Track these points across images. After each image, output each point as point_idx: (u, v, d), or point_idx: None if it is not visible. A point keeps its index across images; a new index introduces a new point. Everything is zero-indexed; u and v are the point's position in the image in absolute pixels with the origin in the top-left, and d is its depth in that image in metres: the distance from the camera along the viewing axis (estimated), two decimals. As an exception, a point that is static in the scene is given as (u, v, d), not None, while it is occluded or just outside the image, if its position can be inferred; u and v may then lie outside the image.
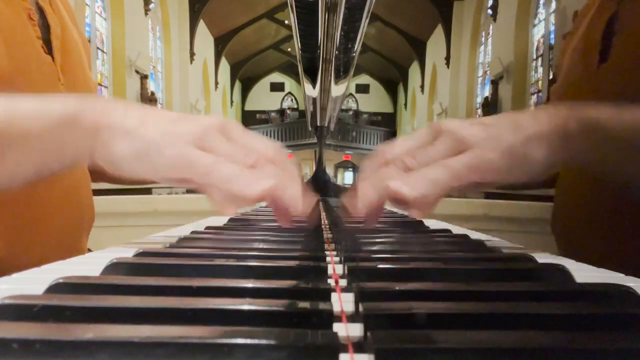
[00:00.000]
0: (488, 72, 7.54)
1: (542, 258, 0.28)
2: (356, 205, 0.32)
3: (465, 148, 0.32)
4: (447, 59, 8.81)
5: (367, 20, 0.88)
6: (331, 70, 1.00)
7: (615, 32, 0.51)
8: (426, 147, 0.33)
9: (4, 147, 0.32)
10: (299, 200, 0.31)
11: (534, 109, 0.37)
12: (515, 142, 0.32)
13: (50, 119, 0.32)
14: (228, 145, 0.32)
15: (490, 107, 6.89)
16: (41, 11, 0.51)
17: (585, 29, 0.58)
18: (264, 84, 14.41)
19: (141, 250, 0.26)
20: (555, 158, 0.34)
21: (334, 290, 0.20)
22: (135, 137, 0.31)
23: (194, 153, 0.30)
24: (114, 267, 0.22)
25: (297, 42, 0.97)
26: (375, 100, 14.40)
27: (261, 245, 0.30)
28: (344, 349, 0.13)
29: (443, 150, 0.32)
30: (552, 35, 5.72)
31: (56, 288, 0.18)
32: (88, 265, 0.26)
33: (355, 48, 0.97)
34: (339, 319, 0.16)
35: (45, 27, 0.51)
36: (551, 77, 5.29)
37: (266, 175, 0.30)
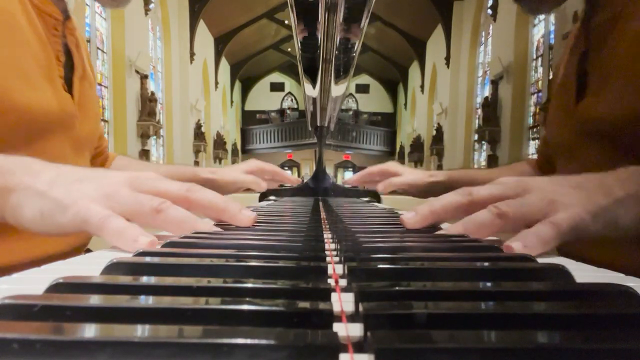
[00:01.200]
0: (488, 72, 7.54)
1: (542, 258, 0.28)
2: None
3: (556, 208, 0.32)
4: (447, 59, 8.81)
5: (367, 20, 0.88)
6: (331, 70, 1.00)
7: (587, 71, 0.52)
8: (519, 199, 0.34)
9: None
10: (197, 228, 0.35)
11: (617, 169, 0.36)
12: (606, 205, 0.33)
13: None
14: (134, 196, 0.34)
15: (491, 107, 6.89)
16: (68, 52, 0.55)
17: (563, 67, 0.60)
18: (264, 84, 14.42)
19: (141, 250, 0.26)
20: (638, 222, 0.34)
21: (334, 290, 0.20)
22: (44, 198, 0.33)
23: (86, 210, 0.32)
24: (114, 267, 0.22)
25: (297, 42, 0.97)
26: (375, 100, 14.41)
27: (261, 245, 0.30)
28: (344, 349, 0.13)
29: (536, 207, 0.33)
30: (552, 35, 5.72)
31: (56, 288, 0.18)
32: (88, 265, 0.26)
33: (355, 48, 0.97)
34: (339, 319, 0.16)
35: (69, 67, 0.55)
36: (551, 77, 5.29)
37: (168, 222, 0.34)
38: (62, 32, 0.54)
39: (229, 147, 11.28)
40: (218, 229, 0.37)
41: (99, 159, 0.74)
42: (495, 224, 0.33)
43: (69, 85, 0.54)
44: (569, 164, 0.58)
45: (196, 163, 8.80)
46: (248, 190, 0.85)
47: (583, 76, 0.53)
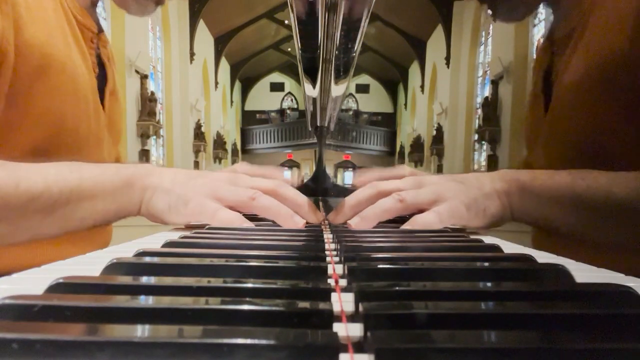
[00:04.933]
0: (488, 72, 7.53)
1: (542, 258, 0.28)
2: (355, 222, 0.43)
3: (442, 199, 0.42)
4: (447, 59, 8.80)
5: (367, 20, 0.88)
6: (331, 70, 1.00)
7: (552, 83, 0.56)
8: (415, 190, 0.44)
9: (76, 206, 0.39)
10: (287, 222, 0.42)
11: (491, 173, 0.47)
12: (476, 197, 0.43)
13: (112, 183, 0.41)
14: (234, 189, 0.43)
15: (491, 107, 6.89)
16: (101, 65, 0.58)
17: (533, 78, 0.64)
18: (264, 84, 14.40)
19: (141, 250, 0.26)
20: (503, 212, 0.44)
21: (334, 290, 0.20)
22: (170, 194, 0.42)
23: (203, 203, 0.41)
24: (114, 267, 0.22)
25: (297, 42, 0.96)
26: (375, 100, 14.38)
27: (261, 245, 0.30)
28: (344, 349, 0.13)
29: (427, 197, 0.43)
30: (552, 35, 5.71)
31: (56, 288, 0.18)
32: (88, 265, 0.26)
33: (355, 48, 0.97)
34: (339, 319, 0.16)
35: (102, 79, 0.57)
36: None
37: (260, 207, 0.42)
38: (97, 44, 0.56)
39: (229, 147, 11.26)
40: (298, 220, 0.42)
41: None
42: (397, 208, 0.42)
43: (101, 97, 0.55)
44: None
45: (196, 163, 8.79)
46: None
47: (549, 89, 0.57)
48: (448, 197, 0.42)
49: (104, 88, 0.56)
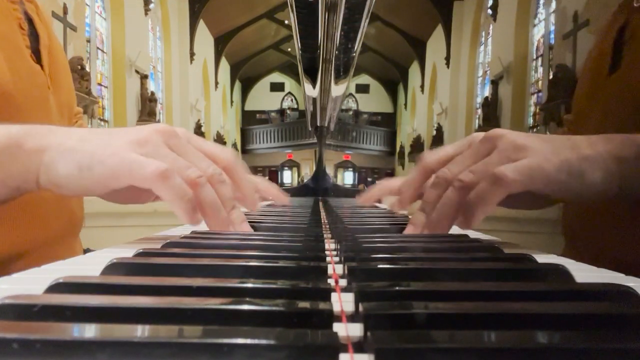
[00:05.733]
0: (488, 72, 7.54)
1: (542, 258, 0.28)
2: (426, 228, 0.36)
3: (521, 156, 0.33)
4: (447, 59, 8.81)
5: (367, 20, 0.88)
6: (331, 70, 1.00)
7: (625, 42, 0.51)
8: (484, 160, 0.35)
9: None
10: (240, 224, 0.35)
11: (588, 135, 0.36)
12: (571, 158, 0.33)
13: None
14: (170, 154, 0.33)
15: (491, 107, 6.89)
16: (30, 21, 0.51)
17: (598, 39, 0.58)
18: (264, 84, 14.42)
19: (141, 250, 0.26)
20: (609, 182, 0.34)
21: (334, 290, 0.20)
22: (76, 151, 0.32)
23: (139, 158, 0.31)
24: (114, 267, 0.22)
25: (297, 42, 0.97)
26: (375, 100, 14.40)
27: (261, 245, 0.30)
28: (344, 349, 0.13)
29: (499, 160, 0.34)
30: (552, 35, 5.72)
31: (56, 288, 0.18)
32: (88, 265, 0.26)
33: (355, 48, 0.97)
34: (339, 319, 0.16)
35: (34, 37, 0.51)
36: (551, 77, 5.29)
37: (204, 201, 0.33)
38: None
39: (229, 147, 11.26)
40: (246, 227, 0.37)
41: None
42: (501, 194, 0.33)
43: (37, 56, 0.50)
44: None
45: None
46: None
47: (619, 49, 0.52)
48: (527, 154, 0.33)
49: (38, 46, 0.50)
